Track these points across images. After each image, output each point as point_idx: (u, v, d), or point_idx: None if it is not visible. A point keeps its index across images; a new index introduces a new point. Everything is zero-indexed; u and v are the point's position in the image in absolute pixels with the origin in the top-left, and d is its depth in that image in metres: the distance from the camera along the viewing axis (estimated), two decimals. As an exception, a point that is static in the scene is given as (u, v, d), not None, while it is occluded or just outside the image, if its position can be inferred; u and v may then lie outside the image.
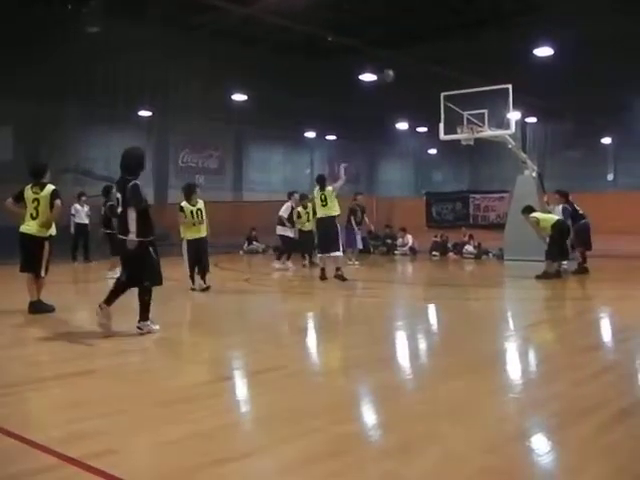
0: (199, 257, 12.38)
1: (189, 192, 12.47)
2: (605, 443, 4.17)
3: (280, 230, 17.79)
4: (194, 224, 12.30)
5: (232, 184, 41.32)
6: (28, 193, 9.58)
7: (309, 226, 17.21)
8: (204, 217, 12.40)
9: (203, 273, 12.37)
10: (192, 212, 12.30)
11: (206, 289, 12.21)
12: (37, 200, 9.47)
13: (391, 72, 18.55)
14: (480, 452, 3.98)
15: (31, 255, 9.50)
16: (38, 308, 9.46)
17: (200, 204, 12.42)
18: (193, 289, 12.21)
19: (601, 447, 4.10)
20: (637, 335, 8.06)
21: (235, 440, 4.35)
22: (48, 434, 4.26)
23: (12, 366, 6.45)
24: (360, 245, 19.84)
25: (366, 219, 19.71)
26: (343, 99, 34.18)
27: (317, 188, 14.30)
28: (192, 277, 12.37)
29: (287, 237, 17.66)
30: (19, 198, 9.67)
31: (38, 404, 5.34)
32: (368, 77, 30.49)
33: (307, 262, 17.92)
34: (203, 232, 12.46)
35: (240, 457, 3.93)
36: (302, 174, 43.87)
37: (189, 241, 12.40)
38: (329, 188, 14.07)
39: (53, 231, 9.71)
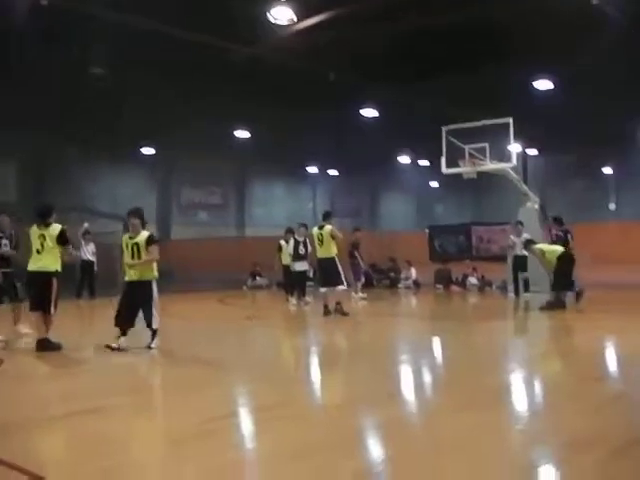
0: (132, 308, 9.55)
1: (127, 219, 9.92)
2: (611, 475, 4.21)
3: (299, 266, 17.17)
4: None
5: (235, 220, 41.53)
6: (34, 230, 9.78)
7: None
8: (142, 255, 9.55)
9: (149, 329, 9.58)
10: (127, 246, 9.66)
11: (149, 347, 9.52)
12: (43, 236, 9.68)
13: None
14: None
15: (40, 292, 9.61)
16: (46, 346, 9.52)
17: (140, 237, 9.59)
18: (109, 346, 9.27)
19: (608, 479, 4.14)
20: (641, 366, 8.09)
21: (243, 477, 4.40)
22: (61, 473, 4.31)
23: (22, 404, 6.49)
24: (362, 280, 19.95)
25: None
26: (345, 134, 34.43)
27: (316, 227, 14.41)
28: (121, 329, 9.47)
29: (299, 272, 17.32)
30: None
31: (50, 443, 5.38)
32: (370, 112, 30.77)
33: (302, 298, 17.48)
34: (137, 274, 9.58)
35: (250, 492, 3.97)
36: (305, 209, 44.09)
37: (124, 284, 9.86)
38: (327, 227, 14.12)
39: (59, 267, 9.82)
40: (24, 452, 4.87)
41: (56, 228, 9.76)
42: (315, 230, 14.41)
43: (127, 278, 9.63)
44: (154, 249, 9.60)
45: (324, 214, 14.88)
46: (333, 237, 14.06)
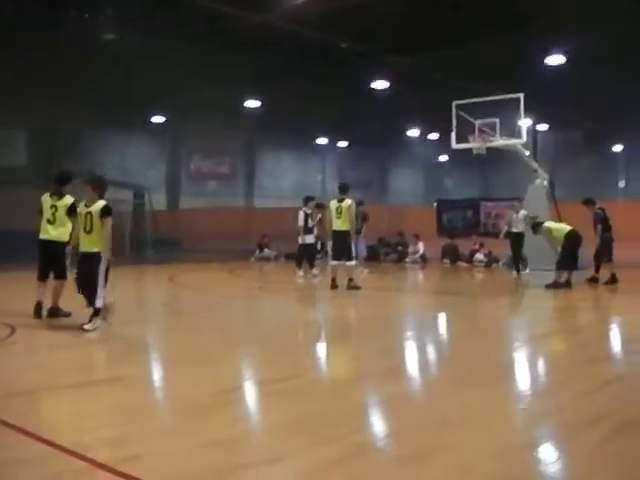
0: (81, 279, 8.94)
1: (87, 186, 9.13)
2: (611, 452, 4.31)
3: (308, 239, 17.30)
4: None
5: (244, 190, 41.57)
6: (46, 199, 9.89)
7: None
8: (94, 225, 8.88)
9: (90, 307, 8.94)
10: (81, 215, 9.06)
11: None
12: (55, 207, 9.80)
13: None
14: (489, 460, 4.13)
15: (52, 260, 9.79)
16: (56, 313, 9.71)
17: (95, 206, 8.94)
18: (83, 328, 8.72)
19: (607, 455, 4.25)
20: (645, 346, 8.17)
21: (254, 447, 4.51)
22: (75, 440, 4.42)
23: (34, 373, 6.63)
24: (364, 253, 19.98)
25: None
26: (355, 106, 34.33)
27: (335, 200, 14.33)
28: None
29: (307, 244, 17.36)
30: (39, 209, 9.94)
31: (63, 411, 5.52)
32: (380, 84, 30.67)
33: (310, 270, 17.45)
34: (88, 245, 8.93)
35: (260, 463, 4.09)
36: (314, 180, 44.09)
37: (79, 255, 9.22)
38: (348, 201, 14.08)
39: (67, 238, 9.86)
40: (36, 419, 5.02)
41: (68, 200, 9.83)
42: (334, 203, 14.24)
43: (83, 250, 9.02)
44: (107, 222, 8.92)
45: (341, 187, 14.67)
46: (350, 211, 14.05)
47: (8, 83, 26.33)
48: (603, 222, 15.44)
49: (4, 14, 22.23)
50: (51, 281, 9.93)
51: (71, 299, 9.55)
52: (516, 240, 17.49)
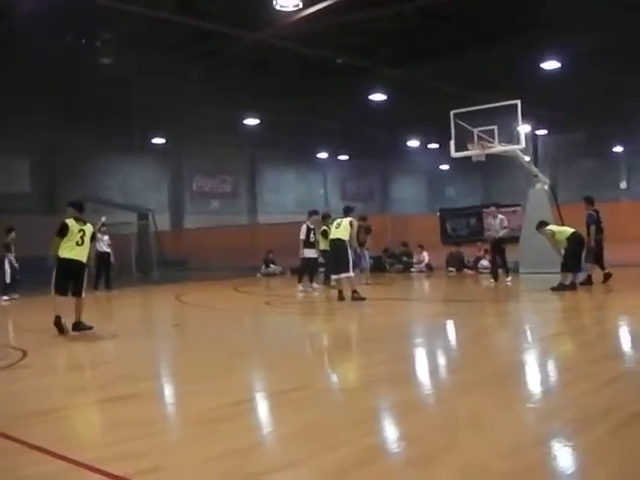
0: None
1: None
2: (617, 445, 4.39)
3: (309, 253, 17.16)
4: None
5: (247, 207, 41.73)
6: (73, 225, 10.60)
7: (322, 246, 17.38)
8: None
9: None
10: None
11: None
12: (82, 231, 10.63)
13: None
14: (500, 458, 4.20)
15: (75, 278, 10.57)
16: (81, 327, 10.41)
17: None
18: None
19: (614, 449, 4.32)
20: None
21: (267, 455, 4.60)
22: (94, 454, 4.52)
23: (49, 393, 6.73)
24: (368, 264, 20.09)
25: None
26: (354, 119, 34.57)
27: (338, 218, 14.78)
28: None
29: (308, 259, 17.29)
30: (64, 233, 10.53)
31: (80, 428, 5.65)
32: (378, 97, 30.86)
33: (310, 284, 17.42)
34: None
35: (276, 470, 4.17)
36: (316, 194, 44.25)
37: None
38: (348, 219, 14.44)
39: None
40: (54, 437, 5.09)
41: (90, 228, 10.83)
42: (337, 220, 14.74)
43: None
44: None
45: (345, 209, 15.20)
46: (351, 226, 14.32)
47: (7, 110, 26.58)
48: (596, 224, 15.50)
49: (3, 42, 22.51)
50: (71, 299, 10.53)
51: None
52: (494, 246, 17.34)
